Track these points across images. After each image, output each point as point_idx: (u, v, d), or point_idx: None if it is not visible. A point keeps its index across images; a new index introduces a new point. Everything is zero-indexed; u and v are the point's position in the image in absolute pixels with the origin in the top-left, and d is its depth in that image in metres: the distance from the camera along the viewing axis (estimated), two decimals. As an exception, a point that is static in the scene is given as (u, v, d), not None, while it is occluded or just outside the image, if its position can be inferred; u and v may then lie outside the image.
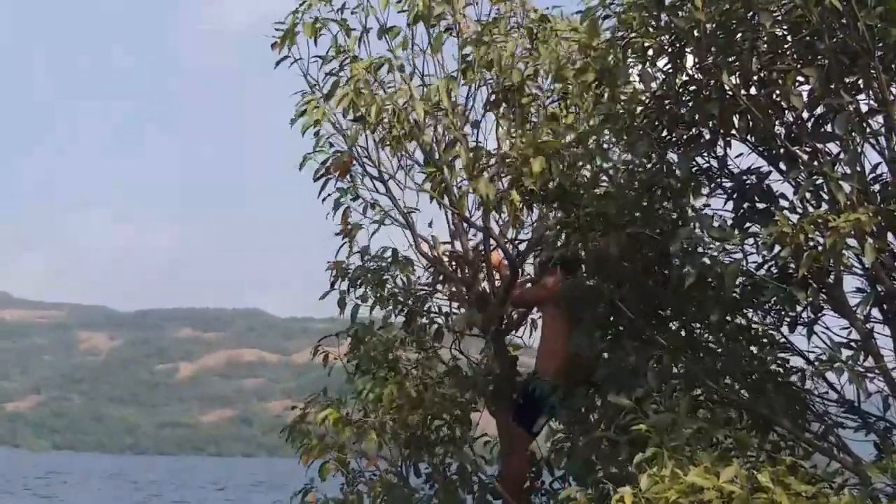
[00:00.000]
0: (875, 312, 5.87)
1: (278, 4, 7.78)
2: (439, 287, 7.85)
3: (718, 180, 6.28)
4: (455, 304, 7.85)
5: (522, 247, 7.64)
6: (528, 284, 7.73)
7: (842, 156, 5.74)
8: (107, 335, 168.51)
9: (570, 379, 7.14)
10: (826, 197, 5.73)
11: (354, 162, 7.42)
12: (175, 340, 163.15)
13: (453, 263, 7.77)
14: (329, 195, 7.55)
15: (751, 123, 5.94)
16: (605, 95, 6.43)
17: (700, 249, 5.93)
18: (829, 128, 5.78)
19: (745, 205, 6.14)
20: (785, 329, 6.24)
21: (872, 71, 5.55)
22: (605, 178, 6.69)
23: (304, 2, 7.42)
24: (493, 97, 7.30)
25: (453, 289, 7.79)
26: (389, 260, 7.67)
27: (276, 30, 7.44)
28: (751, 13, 5.73)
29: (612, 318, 6.74)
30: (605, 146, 6.85)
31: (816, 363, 5.92)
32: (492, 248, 7.62)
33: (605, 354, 6.67)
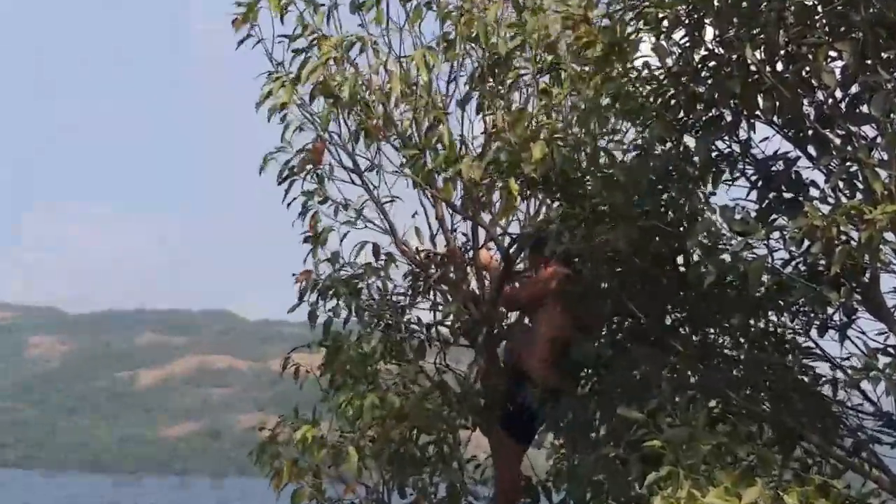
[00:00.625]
0: (916, 315, 5.83)
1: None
2: (421, 293, 7.82)
3: (741, 167, 6.24)
4: (439, 315, 7.82)
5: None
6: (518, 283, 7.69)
7: (879, 140, 5.69)
8: (59, 339, 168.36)
9: (567, 386, 7.10)
10: (861, 186, 5.68)
11: (326, 152, 7.40)
12: (136, 346, 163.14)
13: (435, 266, 7.73)
14: (295, 198, 7.53)
15: (777, 103, 5.89)
16: (615, 72, 6.37)
17: (720, 245, 5.88)
18: (864, 108, 5.74)
19: (771, 194, 6.09)
20: (814, 333, 6.21)
21: (914, 45, 5.51)
22: (610, 163, 6.65)
23: None
24: (478, 72, 7.25)
25: (437, 294, 7.75)
26: (362, 267, 7.63)
27: (238, 4, 7.41)
28: (776, -20, 5.68)
29: (620, 322, 6.71)
30: (614, 129, 6.83)
31: (849, 371, 5.89)
32: (480, 244, 7.59)
33: (612, 362, 6.64)
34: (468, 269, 7.67)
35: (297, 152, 7.46)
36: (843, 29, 5.71)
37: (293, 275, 7.68)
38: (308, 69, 7.15)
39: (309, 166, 7.41)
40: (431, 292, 7.78)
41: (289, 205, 7.54)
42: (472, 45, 7.24)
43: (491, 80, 7.33)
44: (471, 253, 7.71)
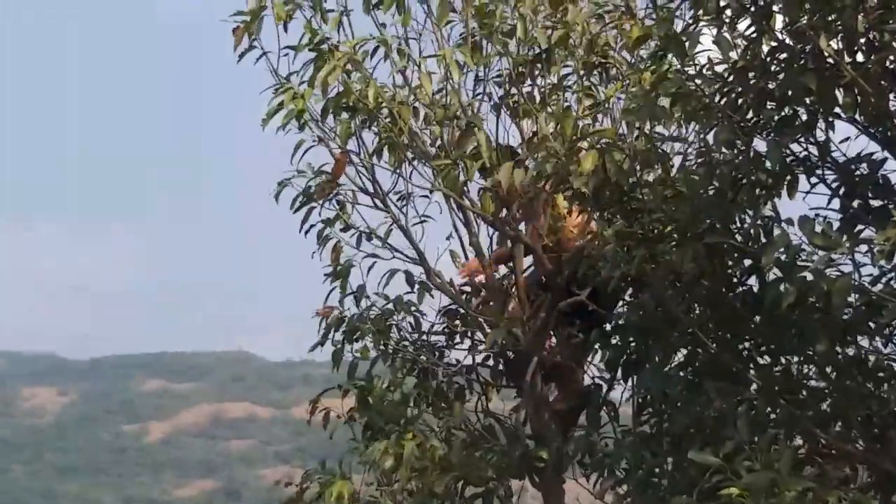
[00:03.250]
0: None
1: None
2: (458, 332, 7.89)
3: (820, 172, 6.25)
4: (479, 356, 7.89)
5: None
6: None
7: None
8: (56, 390, 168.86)
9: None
10: (959, 189, 5.69)
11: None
12: (143, 394, 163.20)
13: (472, 295, 7.79)
14: (313, 226, 7.61)
15: (859, 99, 5.90)
16: (672, 69, 6.39)
17: (800, 261, 5.88)
18: (959, 101, 5.74)
19: (856, 202, 6.10)
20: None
21: None
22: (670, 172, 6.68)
23: None
24: (516, 71, 7.30)
25: (475, 332, 7.80)
26: (391, 302, 7.68)
27: (239, 13, 7.52)
28: (854, -40, 5.70)
29: (689, 353, 6.71)
30: (674, 136, 6.86)
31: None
32: (524, 268, 7.64)
33: (681, 399, 6.64)
34: (510, 296, 7.70)
35: (314, 174, 7.54)
36: (931, 11, 5.73)
37: (317, 312, 7.76)
38: (324, 73, 7.22)
39: (328, 187, 7.48)
40: (470, 332, 7.84)
41: (306, 233, 7.63)
42: (508, 40, 7.29)
43: (529, 80, 7.39)
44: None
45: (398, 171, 7.53)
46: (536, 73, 7.42)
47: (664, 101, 6.56)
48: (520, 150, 7.44)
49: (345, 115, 7.41)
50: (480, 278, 7.82)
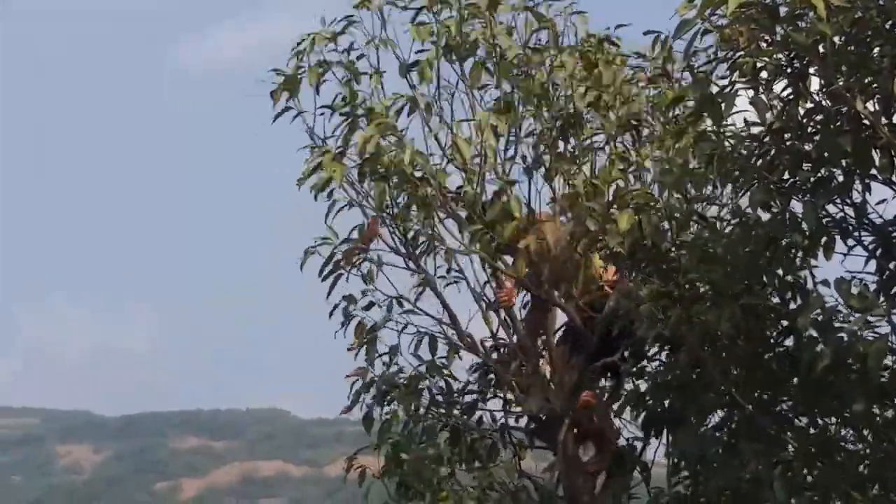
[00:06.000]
0: None
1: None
2: (493, 387, 7.85)
3: (856, 234, 6.21)
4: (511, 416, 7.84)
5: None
6: None
7: None
8: (91, 447, 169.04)
9: None
10: None
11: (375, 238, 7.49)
12: (176, 452, 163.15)
13: (502, 361, 7.76)
14: (337, 305, 7.65)
15: (895, 160, 5.87)
16: (708, 130, 6.39)
17: (836, 323, 5.85)
18: None
19: (892, 264, 6.05)
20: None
21: None
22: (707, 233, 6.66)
23: (304, 41, 7.54)
24: (551, 131, 7.30)
25: (508, 391, 7.76)
26: (423, 363, 7.66)
27: (277, 73, 7.58)
28: (890, 23, 5.69)
29: (725, 414, 6.66)
30: (710, 196, 6.85)
31: None
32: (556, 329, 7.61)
33: (717, 461, 6.59)
34: (541, 359, 7.66)
35: (341, 241, 7.53)
36: (967, 74, 5.71)
37: (347, 377, 7.74)
38: (363, 140, 7.22)
39: (357, 254, 7.48)
40: (502, 390, 7.80)
41: (330, 314, 7.65)
42: (541, 101, 7.30)
43: (562, 142, 7.40)
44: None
45: (431, 229, 7.50)
46: (569, 134, 7.41)
47: (698, 162, 6.58)
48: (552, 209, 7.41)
49: (375, 181, 7.40)
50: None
